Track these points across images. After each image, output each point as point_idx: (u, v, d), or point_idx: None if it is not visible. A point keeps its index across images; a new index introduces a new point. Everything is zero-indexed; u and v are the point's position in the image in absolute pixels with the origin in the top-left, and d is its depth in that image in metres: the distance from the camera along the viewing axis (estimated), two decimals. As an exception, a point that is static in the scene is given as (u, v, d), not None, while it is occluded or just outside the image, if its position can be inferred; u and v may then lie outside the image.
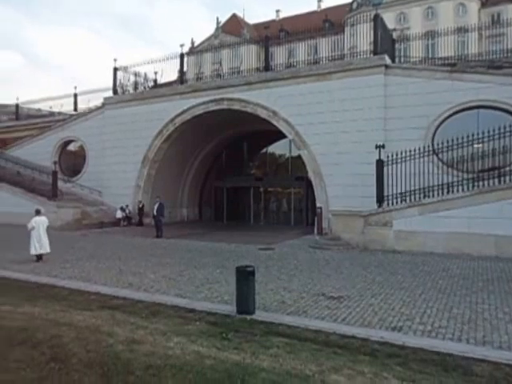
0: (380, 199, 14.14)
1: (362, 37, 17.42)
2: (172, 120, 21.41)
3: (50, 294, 7.79)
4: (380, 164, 14.18)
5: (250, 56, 20.81)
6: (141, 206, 21.95)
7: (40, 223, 11.71)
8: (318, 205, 17.49)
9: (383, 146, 14.28)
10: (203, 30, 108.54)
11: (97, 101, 24.78)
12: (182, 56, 22.06)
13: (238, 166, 26.84)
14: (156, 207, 18.03)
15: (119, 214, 21.87)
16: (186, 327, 5.75)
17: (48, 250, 11.73)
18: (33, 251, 11.51)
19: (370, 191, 14.47)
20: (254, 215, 25.87)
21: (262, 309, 6.82)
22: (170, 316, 6.42)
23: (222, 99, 20.03)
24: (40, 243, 11.54)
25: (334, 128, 16.95)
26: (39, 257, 11.59)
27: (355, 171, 16.12)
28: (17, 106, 29.78)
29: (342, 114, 16.78)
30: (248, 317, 6.33)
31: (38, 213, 12.02)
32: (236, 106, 19.76)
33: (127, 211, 22.14)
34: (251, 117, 19.77)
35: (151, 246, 14.75)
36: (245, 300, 6.52)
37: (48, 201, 21.03)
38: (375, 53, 16.67)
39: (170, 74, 23.14)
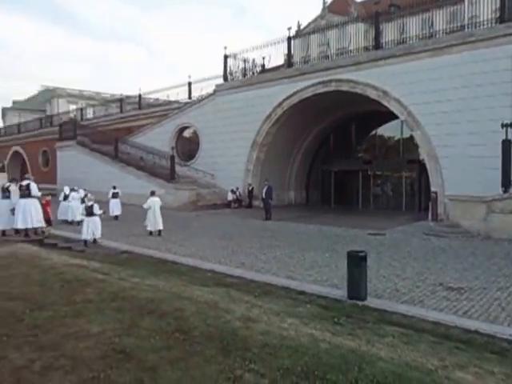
0: (506, 184, 12.64)
1: (484, 4, 15.47)
2: (280, 104, 21.51)
3: (171, 269, 8.40)
4: (507, 145, 12.59)
5: (358, 35, 19.88)
6: (250, 188, 22.66)
7: (154, 203, 13.04)
8: (432, 189, 16.19)
9: (511, 125, 12.62)
10: (309, 11, 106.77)
11: (209, 88, 25.96)
12: (289, 39, 21.90)
13: (346, 149, 26.05)
14: (265, 190, 18.40)
15: (230, 197, 22.87)
16: (297, 309, 5.73)
17: (161, 226, 12.97)
18: (148, 227, 12.91)
19: (493, 175, 13.06)
20: (362, 199, 24.96)
21: (374, 296, 6.54)
22: (281, 297, 6.47)
23: (330, 81, 19.48)
24: (154, 220, 12.89)
25: (453, 106, 15.39)
26: (153, 232, 12.92)
27: (475, 153, 14.52)
28: (139, 96, 32.63)
29: (462, 91, 15.14)
30: (359, 303, 6.13)
31: (152, 194, 13.46)
32: (344, 88, 19.08)
33: (238, 193, 23.03)
34: (360, 98, 18.92)
35: (260, 228, 15.12)
36: (356, 285, 6.32)
37: (167, 183, 22.83)
38: (501, 21, 14.62)
39: (277, 58, 23.19)
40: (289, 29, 21.86)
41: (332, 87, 19.54)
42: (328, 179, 26.27)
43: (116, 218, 16.91)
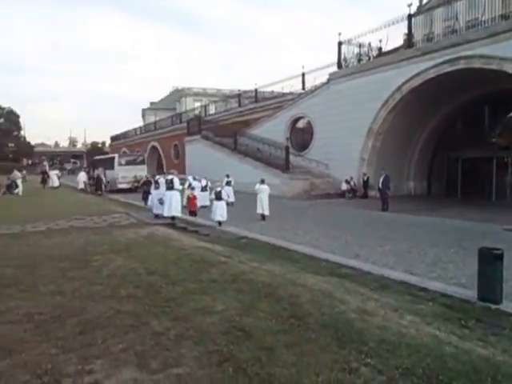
0: None
1: None
2: (399, 88, 20.32)
3: (285, 256, 8.64)
4: None
5: (494, 2, 17.55)
6: (366, 178, 21.96)
7: (263, 190, 14.25)
8: None
9: None
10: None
11: (323, 78, 25.71)
12: (409, 17, 20.42)
13: (476, 134, 23.49)
14: (381, 180, 17.67)
15: (344, 186, 22.48)
16: (417, 306, 5.45)
17: (266, 212, 14.05)
18: (258, 211, 14.16)
19: None
20: (496, 190, 22.34)
21: (511, 299, 5.85)
22: (399, 292, 6.21)
23: (458, 58, 17.72)
24: (262, 205, 14.09)
25: None
26: (263, 216, 14.05)
27: None
28: (255, 90, 33.79)
29: None
30: (492, 306, 5.50)
31: (262, 182, 14.71)
32: (476, 64, 17.17)
33: (352, 183, 22.52)
34: (494, 75, 16.90)
35: (376, 219, 14.61)
36: (489, 286, 5.65)
37: (282, 173, 23.36)
38: None
39: (395, 39, 21.87)
40: (409, 5, 20.38)
41: (460, 65, 17.76)
42: (454, 168, 24.10)
43: (231, 204, 17.89)
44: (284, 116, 28.22)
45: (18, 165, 59.61)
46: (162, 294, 5.55)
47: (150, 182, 19.95)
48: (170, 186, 12.98)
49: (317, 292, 5.72)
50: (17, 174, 28.00)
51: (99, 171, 27.91)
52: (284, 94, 30.85)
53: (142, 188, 19.96)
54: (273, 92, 33.57)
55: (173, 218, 12.98)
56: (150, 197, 14.73)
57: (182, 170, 32.01)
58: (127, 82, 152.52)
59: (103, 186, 26.13)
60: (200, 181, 18.05)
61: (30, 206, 18.22)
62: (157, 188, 13.99)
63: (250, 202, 15.13)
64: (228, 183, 18.70)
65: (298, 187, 22.61)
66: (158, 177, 14.37)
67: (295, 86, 29.69)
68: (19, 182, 25.79)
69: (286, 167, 23.68)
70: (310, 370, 3.56)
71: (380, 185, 17.72)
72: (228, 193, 18.09)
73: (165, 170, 42.44)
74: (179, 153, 40.94)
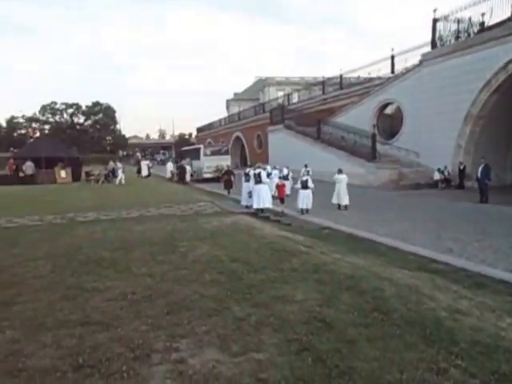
0: None
1: None
2: (504, 67, 18.21)
3: (369, 248, 8.34)
4: None
5: None
6: (462, 167, 20.27)
7: (341, 179, 14.26)
8: None
9: None
10: None
11: (414, 60, 24.12)
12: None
13: None
14: (480, 169, 16.17)
15: (437, 176, 21.01)
16: (519, 308, 4.92)
17: (346, 202, 14.10)
18: (334, 201, 14.27)
19: None
20: None
21: None
22: (498, 292, 5.66)
23: None
24: (339, 196, 14.13)
25: None
26: (341, 206, 14.12)
27: None
28: (340, 76, 32.81)
29: None
30: None
31: (340, 171, 14.61)
32: None
33: (446, 173, 20.95)
34: None
35: (473, 212, 13.46)
36: None
37: (367, 162, 22.51)
38: None
39: (503, 11, 19.44)
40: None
41: None
42: None
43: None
44: (371, 102, 27.08)
45: (114, 156, 65.23)
46: (243, 281, 5.67)
47: (231, 172, 20.62)
48: (257, 179, 13.26)
49: (403, 287, 5.42)
50: (112, 164, 30.56)
51: (185, 161, 29.41)
52: (371, 79, 29.54)
53: (224, 177, 20.51)
54: (359, 77, 32.28)
55: (262, 210, 13.17)
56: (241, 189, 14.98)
57: (264, 159, 32.45)
58: (213, 74, 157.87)
59: (188, 176, 27.47)
60: (281, 170, 18.14)
61: (125, 194, 19.73)
62: (247, 181, 14.31)
63: (329, 192, 14.89)
64: (307, 173, 18.63)
65: (384, 177, 21.64)
66: (248, 170, 14.69)
67: (383, 70, 28.24)
68: (120, 171, 28.11)
69: (372, 156, 22.77)
70: (393, 366, 3.41)
71: (479, 174, 16.24)
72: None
73: (248, 160, 43.54)
74: (262, 142, 41.49)
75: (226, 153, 29.20)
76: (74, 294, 5.22)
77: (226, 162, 26.75)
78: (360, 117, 26.95)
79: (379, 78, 28.31)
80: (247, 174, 14.43)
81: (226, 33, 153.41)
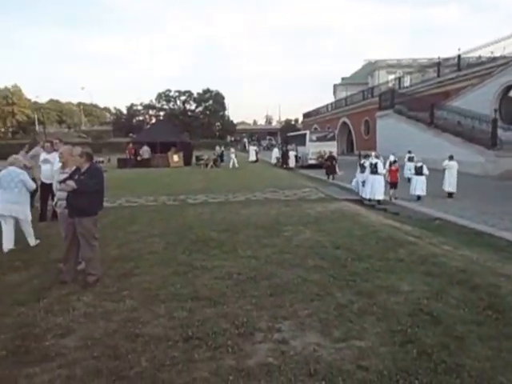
0: None
1: None
2: None
3: (486, 243, 7.59)
4: None
5: None
6: None
7: (452, 166, 13.95)
8: None
9: None
10: None
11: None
12: None
13: None
14: None
15: None
16: None
17: (453, 189, 13.67)
18: (445, 188, 13.84)
19: None
20: None
21: None
22: None
23: None
24: (450, 182, 13.73)
25: None
26: (450, 194, 13.68)
27: None
28: (458, 56, 29.79)
29: None
30: None
31: (451, 158, 14.32)
32: None
33: None
34: None
35: None
36: None
37: (486, 150, 20.32)
38: None
39: None
40: None
41: None
42: None
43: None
44: (493, 84, 24.18)
45: (222, 142, 68.38)
46: (347, 268, 5.60)
47: (333, 158, 20.69)
48: (373, 170, 12.84)
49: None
50: (218, 149, 32.06)
51: (290, 147, 29.59)
52: (494, 59, 26.25)
53: (326, 163, 20.56)
54: (479, 58, 28.89)
55: (378, 201, 12.68)
56: (353, 179, 14.43)
57: (372, 146, 31.20)
58: (320, 58, 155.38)
59: (292, 162, 27.62)
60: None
61: (232, 178, 20.58)
62: (362, 172, 13.75)
63: (440, 180, 13.84)
64: (410, 159, 17.73)
65: (506, 166, 19.28)
66: (363, 161, 14.20)
67: (508, 49, 24.88)
68: (233, 155, 29.61)
69: (492, 143, 20.45)
70: (508, 367, 3.14)
71: None
72: (410, 169, 17.14)
73: (355, 147, 42.25)
74: (370, 128, 39.88)
75: (332, 139, 28.67)
76: (185, 271, 5.66)
77: (331, 148, 26.25)
78: (479, 100, 24.23)
79: (504, 57, 25.06)
80: (363, 166, 13.87)
81: (334, 16, 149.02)
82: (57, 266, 5.80)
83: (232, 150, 31.56)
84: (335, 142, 28.50)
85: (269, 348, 3.57)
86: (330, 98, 66.14)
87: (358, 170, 14.09)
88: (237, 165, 28.74)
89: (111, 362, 3.40)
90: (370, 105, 39.09)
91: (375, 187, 12.51)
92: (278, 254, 6.42)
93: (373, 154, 17.74)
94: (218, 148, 31.82)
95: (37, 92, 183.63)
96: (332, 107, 54.85)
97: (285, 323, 4.02)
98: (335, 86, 68.22)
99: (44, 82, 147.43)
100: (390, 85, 39.34)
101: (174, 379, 3.14)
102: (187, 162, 31.59)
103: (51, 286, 5.16)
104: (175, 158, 30.75)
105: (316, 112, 61.95)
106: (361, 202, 12.62)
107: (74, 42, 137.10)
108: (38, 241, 7.45)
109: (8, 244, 7.07)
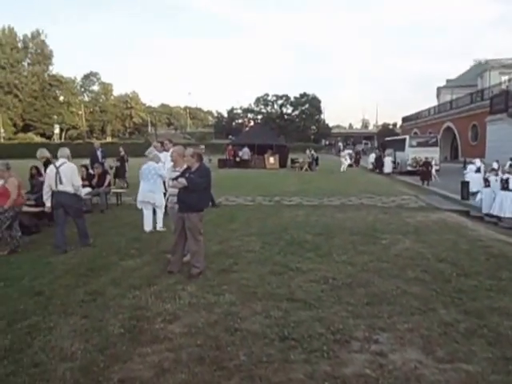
0: None
1: None
2: None
3: None
4: None
5: None
6: None
7: None
8: None
9: None
10: None
11: None
12: None
13: None
14: None
15: None
16: None
17: None
18: None
19: None
20: None
21: None
22: None
23: None
24: None
25: None
26: None
27: None
28: None
29: None
30: None
31: None
32: None
33: None
34: None
35: None
36: None
37: None
38: None
39: None
40: None
41: None
42: None
43: None
44: None
45: (318, 145, 67.85)
46: (451, 284, 5.22)
47: (428, 164, 19.76)
48: (504, 186, 11.57)
49: None
50: (308, 153, 31.83)
51: (387, 152, 28.33)
52: None
53: (421, 169, 19.81)
54: None
55: (499, 218, 11.19)
56: (477, 194, 12.93)
57: (480, 153, 28.58)
58: (421, 59, 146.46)
59: (389, 167, 26.44)
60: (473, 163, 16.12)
61: (327, 181, 20.31)
62: (487, 186, 12.52)
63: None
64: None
65: None
66: (487, 175, 13.06)
67: None
68: (344, 159, 29.83)
69: None
70: None
71: None
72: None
73: (460, 153, 38.99)
74: (478, 134, 36.52)
75: (435, 144, 26.79)
76: (281, 271, 5.76)
77: (433, 154, 24.57)
78: None
79: None
80: (486, 180, 12.70)
81: (438, 13, 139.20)
82: (165, 256, 6.32)
83: (344, 153, 32.11)
84: (437, 148, 26.56)
85: (366, 359, 3.49)
86: (431, 102, 62.05)
87: (481, 183, 12.88)
88: (345, 169, 28.77)
89: (212, 351, 3.60)
90: (479, 108, 35.75)
91: (506, 204, 11.26)
92: (375, 261, 6.23)
93: (477, 161, 16.35)
94: (308, 151, 31.74)
95: (151, 96, 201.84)
96: (435, 111, 51.29)
97: (383, 335, 3.89)
98: (439, 89, 63.65)
99: (157, 88, 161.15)
100: (504, 86, 35.54)
101: (271, 377, 3.22)
102: (283, 164, 32.01)
103: (160, 275, 5.63)
104: (271, 160, 31.38)
105: (416, 116, 58.49)
106: (466, 213, 11.61)
107: (186, 52, 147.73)
108: (164, 228, 8.38)
109: (148, 226, 8.42)
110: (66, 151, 7.15)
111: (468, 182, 14.20)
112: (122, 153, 16.39)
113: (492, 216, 11.23)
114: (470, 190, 14.35)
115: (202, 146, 12.18)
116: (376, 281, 5.35)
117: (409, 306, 4.54)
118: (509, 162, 16.55)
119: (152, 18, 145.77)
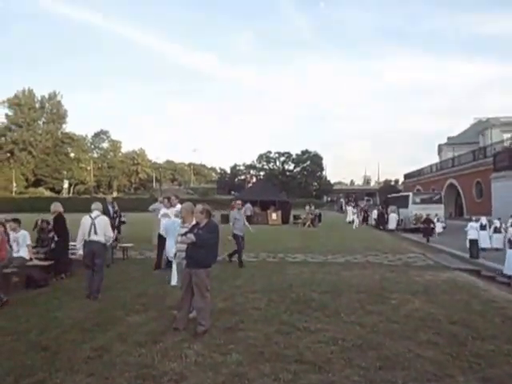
0: None
1: None
2: None
3: None
4: None
5: None
6: None
7: None
8: None
9: None
10: None
11: None
12: None
13: None
14: None
15: None
16: None
17: None
18: None
19: None
20: None
21: None
22: None
23: None
24: None
25: None
26: None
27: None
28: None
29: None
30: None
31: None
32: None
33: None
34: None
35: None
36: None
37: None
38: None
39: None
40: None
41: None
42: None
43: None
44: None
45: (319, 201, 68.26)
46: (467, 347, 5.03)
47: (430, 220, 20.15)
48: None
49: None
50: (307, 208, 32.01)
51: (391, 209, 28.42)
52: None
53: (423, 225, 20.10)
54: None
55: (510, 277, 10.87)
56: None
57: (485, 210, 28.62)
58: (421, 117, 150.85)
59: (393, 224, 26.44)
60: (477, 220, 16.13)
61: (331, 238, 20.22)
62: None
63: None
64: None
65: None
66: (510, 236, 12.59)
67: None
68: (355, 216, 31.02)
69: None
70: None
71: None
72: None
73: (465, 210, 38.93)
74: (482, 191, 36.75)
75: (439, 201, 26.87)
76: (288, 330, 5.60)
77: (438, 211, 24.60)
78: None
79: None
80: (510, 240, 12.19)
81: (438, 74, 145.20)
82: (171, 312, 6.20)
83: (354, 210, 33.14)
84: (442, 205, 26.62)
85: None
86: (433, 158, 63.10)
87: (507, 244, 12.62)
88: (357, 226, 29.11)
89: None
90: (482, 166, 36.31)
91: None
92: (385, 322, 6.05)
93: (483, 218, 16.34)
94: (307, 207, 32.02)
95: (157, 153, 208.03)
96: (437, 168, 52.04)
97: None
98: (440, 146, 65.05)
99: (163, 144, 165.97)
100: (506, 144, 36.30)
101: None
102: (285, 220, 32.07)
103: (166, 331, 5.50)
104: (274, 216, 31.63)
105: (418, 173, 59.28)
106: (477, 272, 11.39)
107: (192, 112, 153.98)
108: (178, 284, 8.16)
109: (174, 281, 8.00)
110: (99, 205, 7.74)
111: (476, 240, 14.09)
112: (116, 207, 16.45)
113: (504, 275, 10.98)
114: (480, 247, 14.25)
115: (239, 202, 12.53)
116: (387, 343, 5.16)
117: (424, 371, 4.34)
118: (510, 220, 16.57)
119: (162, 82, 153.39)
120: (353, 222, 33.08)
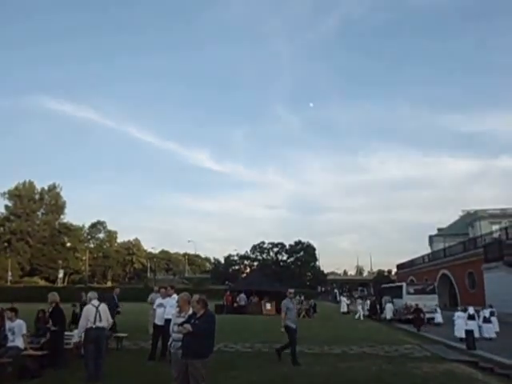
0: None
1: None
2: None
3: None
4: None
5: None
6: None
7: None
8: None
9: None
10: None
11: None
12: None
13: None
14: None
15: None
16: None
17: None
18: None
19: None
20: None
21: None
22: None
23: None
24: None
25: None
26: None
27: None
28: None
29: None
30: None
31: None
32: None
33: None
34: None
35: None
36: None
37: None
38: None
39: None
40: None
41: None
42: None
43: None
44: None
45: (314, 291, 67.02)
46: None
47: (420, 310, 20.44)
48: None
49: None
50: (298, 298, 31.72)
51: (385, 299, 28.23)
52: None
53: (413, 315, 20.25)
54: None
55: None
56: None
57: (479, 300, 28.51)
58: (411, 209, 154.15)
59: (387, 314, 26.11)
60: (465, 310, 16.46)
61: (326, 329, 19.79)
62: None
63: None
64: (492, 314, 16.87)
65: None
66: None
67: None
68: (360, 307, 30.21)
69: None
70: None
71: None
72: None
73: (459, 300, 38.47)
74: (475, 281, 36.76)
75: (432, 292, 26.85)
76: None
77: (432, 301, 24.56)
78: None
79: None
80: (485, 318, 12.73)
81: (426, 169, 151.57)
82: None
83: (359, 301, 33.47)
84: (436, 296, 26.57)
85: None
86: (424, 249, 63.66)
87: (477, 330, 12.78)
88: (362, 317, 28.64)
89: None
90: (473, 256, 36.77)
91: None
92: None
93: (470, 308, 16.55)
94: (298, 297, 31.86)
95: (152, 243, 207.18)
96: (429, 258, 52.38)
97: None
98: (431, 237, 66.17)
99: (159, 234, 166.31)
100: (495, 235, 37.18)
101: None
102: (279, 310, 31.48)
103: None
104: (268, 306, 31.47)
105: (411, 263, 59.37)
106: (475, 364, 11.24)
107: (186, 203, 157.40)
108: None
109: None
110: (95, 294, 8.37)
111: (472, 331, 13.98)
112: (84, 297, 16.35)
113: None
114: (461, 336, 14.32)
115: (291, 290, 11.49)
116: None
117: None
118: (489, 310, 16.85)
119: (158, 176, 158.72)
120: (348, 312, 32.62)
